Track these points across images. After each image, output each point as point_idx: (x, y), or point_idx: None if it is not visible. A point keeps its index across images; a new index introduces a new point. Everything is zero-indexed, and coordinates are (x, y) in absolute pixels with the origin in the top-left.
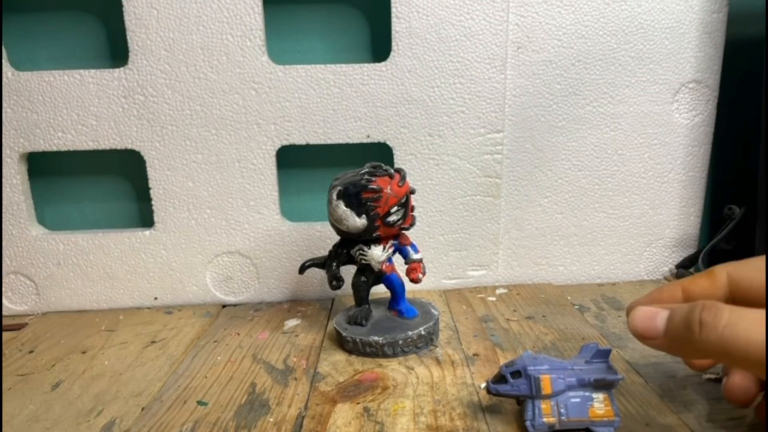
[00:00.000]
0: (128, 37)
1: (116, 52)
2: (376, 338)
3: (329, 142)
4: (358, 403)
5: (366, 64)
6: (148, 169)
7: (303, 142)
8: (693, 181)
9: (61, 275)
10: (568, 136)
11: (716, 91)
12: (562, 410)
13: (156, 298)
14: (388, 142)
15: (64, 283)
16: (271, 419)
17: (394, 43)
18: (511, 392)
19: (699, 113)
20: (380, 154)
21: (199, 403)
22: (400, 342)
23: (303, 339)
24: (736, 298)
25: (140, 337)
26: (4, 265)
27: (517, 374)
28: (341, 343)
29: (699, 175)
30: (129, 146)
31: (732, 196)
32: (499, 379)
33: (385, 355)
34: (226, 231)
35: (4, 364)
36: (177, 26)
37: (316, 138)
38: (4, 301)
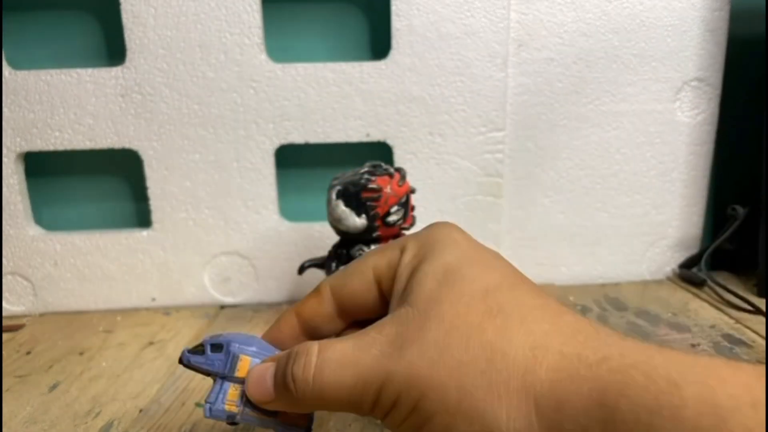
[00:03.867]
0: (125, 36)
1: (113, 51)
2: None
3: (328, 141)
4: None
5: (365, 63)
6: (146, 168)
7: (302, 141)
8: (696, 180)
9: (59, 276)
10: (570, 135)
11: (719, 89)
12: (248, 402)
13: (154, 299)
14: (387, 141)
15: (62, 284)
16: None
17: (393, 41)
18: (203, 366)
19: (701, 112)
20: (380, 153)
21: (198, 405)
22: None
23: None
24: (345, 310)
25: (138, 338)
26: (1, 265)
27: (218, 348)
28: None
29: (702, 175)
30: (126, 146)
31: (735, 196)
32: (197, 349)
33: None
34: (225, 231)
35: (1, 366)
36: (175, 24)
37: (315, 137)
38: (2, 302)
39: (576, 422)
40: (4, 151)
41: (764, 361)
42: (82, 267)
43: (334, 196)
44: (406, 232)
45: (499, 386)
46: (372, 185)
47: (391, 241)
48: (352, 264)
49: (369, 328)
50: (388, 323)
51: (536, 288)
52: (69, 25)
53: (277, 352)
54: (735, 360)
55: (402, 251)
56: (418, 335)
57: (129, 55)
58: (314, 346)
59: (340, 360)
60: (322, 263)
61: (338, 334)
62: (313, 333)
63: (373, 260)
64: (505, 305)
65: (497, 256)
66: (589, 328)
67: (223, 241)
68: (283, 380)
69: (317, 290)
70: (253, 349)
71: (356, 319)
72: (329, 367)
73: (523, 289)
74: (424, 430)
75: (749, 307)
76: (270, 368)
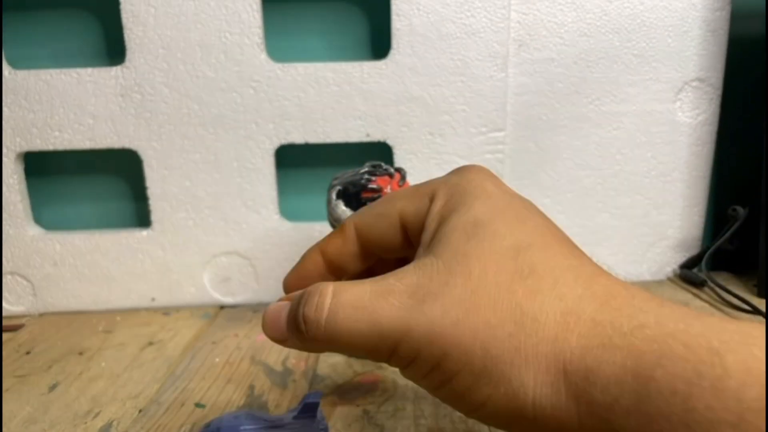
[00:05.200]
0: (125, 35)
1: (113, 50)
2: None
3: (328, 141)
4: (357, 406)
5: (366, 62)
6: (146, 168)
7: (302, 141)
8: (696, 180)
9: (58, 276)
10: (571, 135)
11: (719, 89)
12: None
13: (153, 299)
14: (388, 141)
15: (61, 284)
16: None
17: (394, 41)
18: None
19: (702, 112)
20: (380, 153)
21: (197, 405)
22: None
23: None
24: (369, 250)
25: (138, 338)
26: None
27: None
28: None
29: (702, 175)
30: (126, 145)
31: (736, 197)
32: None
33: None
34: (225, 231)
35: (1, 366)
36: (174, 24)
37: (315, 137)
38: (2, 302)
39: (607, 392)
40: (4, 150)
41: None
42: (82, 267)
43: (334, 196)
44: None
45: (528, 351)
46: (372, 185)
47: (419, 185)
48: (378, 205)
49: (389, 274)
50: (410, 272)
51: (571, 246)
52: (69, 25)
53: (265, 423)
54: None
55: (431, 199)
56: (443, 290)
57: (129, 54)
58: (328, 287)
59: (355, 304)
60: None
61: (363, 272)
62: (338, 271)
63: (400, 204)
64: (537, 266)
65: (531, 208)
66: (624, 293)
67: (223, 241)
68: (294, 320)
69: (341, 229)
70: (241, 429)
71: (381, 258)
72: (343, 311)
73: (556, 248)
74: (445, 388)
75: (749, 308)
76: (285, 307)
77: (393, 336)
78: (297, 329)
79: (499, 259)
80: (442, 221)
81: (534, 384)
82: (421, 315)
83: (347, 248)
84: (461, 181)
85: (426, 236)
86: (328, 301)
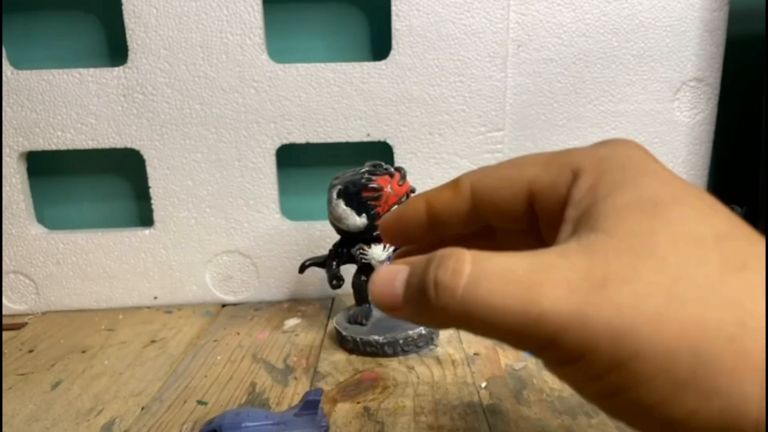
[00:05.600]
0: (128, 36)
1: (115, 51)
2: (376, 337)
3: (329, 140)
4: (358, 403)
5: (366, 63)
6: (148, 168)
7: (303, 141)
8: (694, 179)
9: (61, 274)
10: (569, 135)
11: (717, 89)
12: None
13: (156, 298)
14: (388, 141)
15: (64, 283)
16: None
17: (394, 42)
18: None
19: (700, 111)
20: (380, 152)
21: (199, 402)
22: (401, 341)
23: (303, 338)
24: (481, 213)
25: (140, 336)
26: (3, 264)
27: None
28: (341, 342)
29: (700, 174)
30: (128, 145)
31: (733, 196)
32: None
33: (385, 355)
34: (226, 230)
35: (3, 364)
36: (176, 25)
37: (316, 137)
38: (4, 301)
39: None
40: (7, 150)
41: None
42: (85, 266)
43: (334, 195)
44: None
45: (753, 358)
46: (372, 185)
47: (553, 154)
48: (502, 168)
49: (544, 250)
50: (576, 250)
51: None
52: (71, 26)
53: (266, 420)
54: None
55: (575, 173)
56: (630, 274)
57: (131, 55)
58: (465, 253)
59: (505, 276)
60: (322, 262)
61: (461, 239)
62: (438, 227)
63: (532, 172)
64: (747, 260)
65: (707, 194)
66: None
67: (225, 240)
68: (420, 285)
69: (455, 183)
70: (243, 426)
71: (490, 225)
72: (489, 281)
73: (755, 238)
74: (625, 397)
75: None
76: (401, 271)
77: (556, 323)
78: (422, 294)
79: (698, 246)
80: (600, 197)
81: (760, 399)
82: (603, 301)
83: (457, 205)
84: (616, 154)
85: (574, 212)
86: (467, 267)
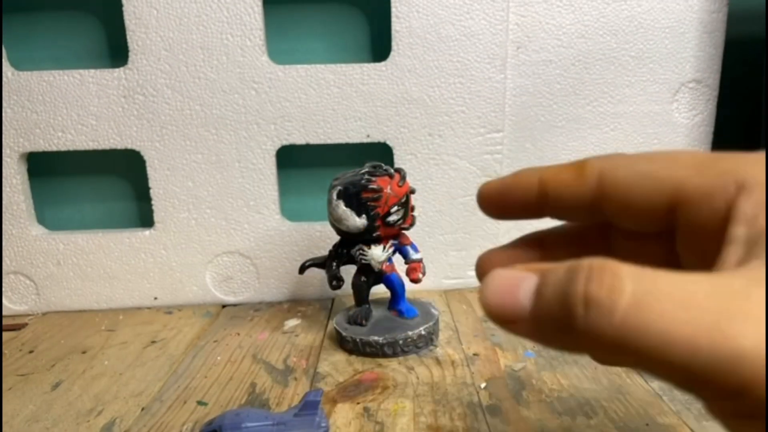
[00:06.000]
0: (128, 37)
1: (116, 52)
2: (376, 338)
3: (329, 141)
4: (358, 403)
5: (366, 64)
6: (148, 169)
7: (303, 142)
8: None
9: (61, 275)
10: (568, 136)
11: (716, 90)
12: None
13: (156, 298)
14: (388, 142)
15: (64, 283)
16: None
17: (394, 43)
18: None
19: (699, 113)
20: (380, 153)
21: (199, 403)
22: (400, 342)
23: (303, 339)
24: (605, 206)
25: (140, 337)
26: (4, 265)
27: None
28: (341, 343)
29: None
30: (129, 146)
31: None
32: None
33: (385, 355)
34: (226, 231)
35: (4, 364)
36: (177, 26)
37: (316, 138)
38: (4, 301)
39: None
40: (7, 151)
41: None
42: (85, 266)
43: (334, 196)
44: (406, 232)
45: None
46: (372, 186)
47: (702, 154)
48: (641, 160)
49: (724, 273)
50: None
51: None
52: (72, 27)
53: (266, 420)
54: None
55: (739, 186)
56: None
57: (131, 56)
58: (621, 266)
59: (685, 302)
60: (322, 263)
61: (560, 237)
62: (546, 210)
63: (683, 174)
64: None
65: None
66: None
67: (225, 240)
68: (561, 299)
69: (580, 165)
70: (243, 426)
71: (611, 222)
72: (660, 303)
73: None
74: None
75: None
76: (527, 279)
77: (757, 368)
78: (564, 310)
79: None
80: None
81: None
82: None
83: (577, 189)
84: None
85: (744, 231)
86: (628, 285)
